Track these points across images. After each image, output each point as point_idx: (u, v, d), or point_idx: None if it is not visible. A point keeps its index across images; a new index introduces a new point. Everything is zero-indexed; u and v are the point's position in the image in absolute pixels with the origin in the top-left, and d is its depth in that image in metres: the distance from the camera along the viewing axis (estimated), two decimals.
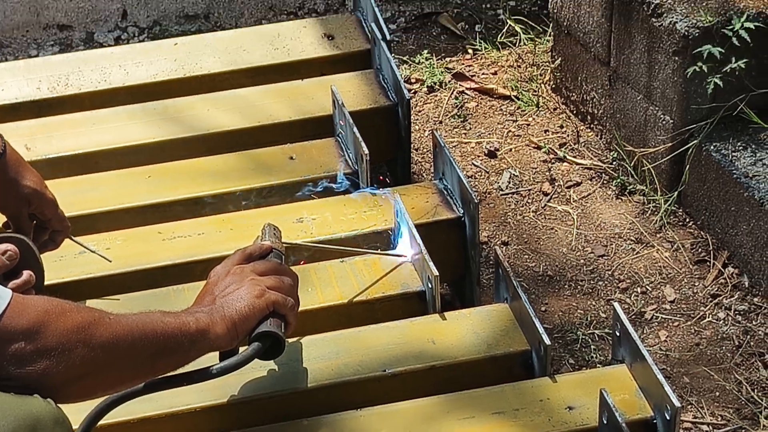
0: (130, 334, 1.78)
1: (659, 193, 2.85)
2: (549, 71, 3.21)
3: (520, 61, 3.29)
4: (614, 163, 2.97)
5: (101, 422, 1.92)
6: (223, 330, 1.90)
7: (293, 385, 2.13)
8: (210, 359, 1.92)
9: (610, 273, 2.72)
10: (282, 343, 1.97)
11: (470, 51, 3.38)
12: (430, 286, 2.27)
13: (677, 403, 1.98)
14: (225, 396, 2.10)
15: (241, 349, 1.96)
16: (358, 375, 2.14)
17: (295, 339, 2.18)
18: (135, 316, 1.81)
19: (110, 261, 2.37)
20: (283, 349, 1.98)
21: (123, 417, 2.03)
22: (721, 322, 2.60)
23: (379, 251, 2.38)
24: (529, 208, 2.90)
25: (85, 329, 1.73)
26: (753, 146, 2.69)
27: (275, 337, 1.96)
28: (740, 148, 2.70)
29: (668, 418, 2.01)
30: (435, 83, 3.25)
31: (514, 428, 2.05)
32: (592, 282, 2.71)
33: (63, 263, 2.35)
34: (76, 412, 1.83)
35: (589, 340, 2.57)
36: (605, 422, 2.02)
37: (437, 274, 2.25)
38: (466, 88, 3.24)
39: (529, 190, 2.95)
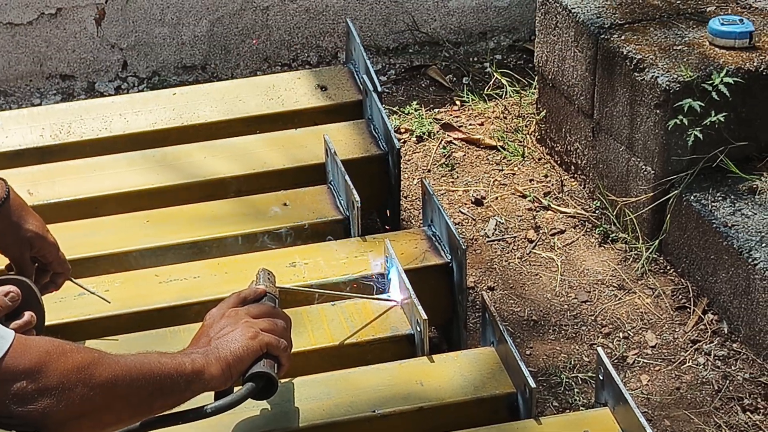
0: (128, 375, 1.77)
1: (641, 241, 2.85)
2: (534, 122, 3.22)
3: (506, 112, 3.30)
4: (597, 211, 2.98)
5: None
6: (217, 370, 1.89)
7: (285, 424, 2.11)
8: (205, 398, 1.91)
9: (593, 318, 2.72)
10: (275, 383, 1.96)
11: (458, 102, 3.40)
12: (418, 329, 2.26)
13: None
14: None
15: (236, 389, 1.95)
16: (348, 415, 2.13)
17: (287, 380, 2.16)
18: (133, 357, 1.81)
19: (109, 302, 2.36)
20: (276, 390, 1.97)
21: None
22: (701, 367, 2.59)
23: (369, 296, 2.38)
24: (515, 255, 2.90)
25: (85, 369, 1.72)
26: (732, 197, 2.70)
27: (268, 378, 1.95)
28: (719, 198, 2.70)
29: None
30: (424, 133, 3.26)
31: None
32: (575, 327, 2.70)
33: (63, 304, 2.34)
34: None
35: (573, 383, 2.56)
36: None
37: (426, 317, 2.24)
38: (454, 138, 3.25)
39: (515, 237, 2.95)
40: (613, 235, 2.91)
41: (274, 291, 2.12)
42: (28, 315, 1.96)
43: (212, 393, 1.93)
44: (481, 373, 2.21)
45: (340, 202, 2.62)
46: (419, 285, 2.34)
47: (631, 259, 2.85)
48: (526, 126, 3.24)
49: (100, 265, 2.49)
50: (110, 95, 3.39)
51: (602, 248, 2.89)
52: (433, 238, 2.51)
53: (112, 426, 1.82)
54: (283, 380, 2.10)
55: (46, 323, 2.06)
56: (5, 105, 3.39)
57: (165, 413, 1.87)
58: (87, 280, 2.38)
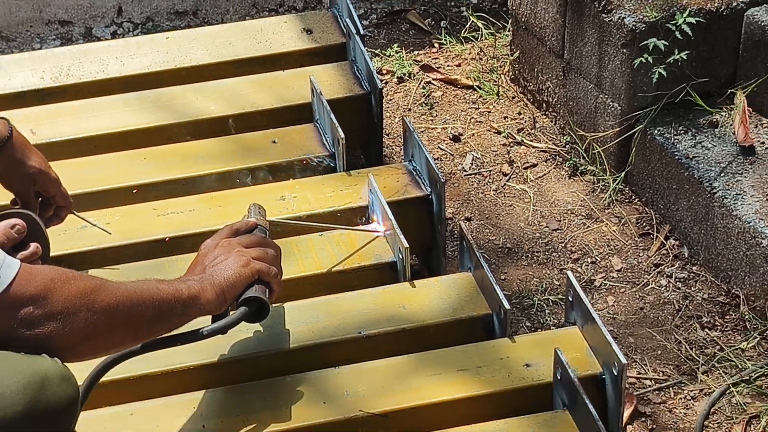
0: (128, 300, 1.79)
1: (608, 173, 2.86)
2: (508, 63, 3.21)
3: (482, 54, 3.29)
4: (567, 146, 2.98)
5: (102, 379, 1.93)
6: (212, 296, 1.91)
7: (277, 345, 2.14)
8: (201, 322, 1.93)
9: (563, 245, 2.73)
10: (266, 307, 1.98)
11: (436, 45, 3.38)
12: (400, 257, 2.28)
13: (624, 360, 2.00)
14: (215, 355, 2.11)
15: (230, 313, 1.97)
16: (335, 337, 2.16)
17: (278, 304, 2.19)
18: (133, 284, 1.82)
19: (110, 234, 2.37)
20: (268, 313, 1.99)
21: (122, 375, 2.04)
22: (663, 288, 2.61)
23: (355, 227, 2.39)
24: (490, 187, 2.90)
25: (88, 295, 1.74)
26: (693, 130, 2.70)
27: (260, 302, 1.97)
28: (681, 131, 2.71)
29: (615, 374, 2.03)
30: (404, 74, 3.25)
31: (477, 384, 2.07)
32: (546, 253, 2.71)
33: (66, 236, 2.35)
34: (80, 371, 1.85)
35: (544, 305, 2.57)
36: (559, 378, 2.04)
37: (407, 246, 2.26)
38: (433, 79, 3.24)
39: (490, 170, 2.95)
40: (582, 167, 2.91)
41: (265, 223, 2.13)
42: (33, 246, 1.96)
43: (208, 317, 1.95)
44: (459, 297, 2.24)
45: (326, 140, 2.63)
46: (401, 216, 2.36)
47: (598, 190, 2.86)
48: (501, 66, 3.23)
49: (100, 200, 2.50)
50: (106, 40, 3.36)
51: (572, 180, 2.90)
52: (414, 173, 2.53)
53: (115, 347, 1.85)
54: (274, 305, 2.12)
55: (51, 254, 2.07)
56: (7, 49, 3.37)
57: (164, 336, 1.89)
58: (88, 214, 2.39)
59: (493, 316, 2.20)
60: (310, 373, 2.09)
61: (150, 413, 2.03)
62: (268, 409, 2.02)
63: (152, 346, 1.91)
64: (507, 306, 2.14)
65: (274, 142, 2.64)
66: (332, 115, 2.57)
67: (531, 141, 3.03)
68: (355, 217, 2.45)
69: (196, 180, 2.56)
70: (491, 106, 3.15)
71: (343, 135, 2.52)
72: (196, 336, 1.93)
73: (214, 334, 1.94)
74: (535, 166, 2.96)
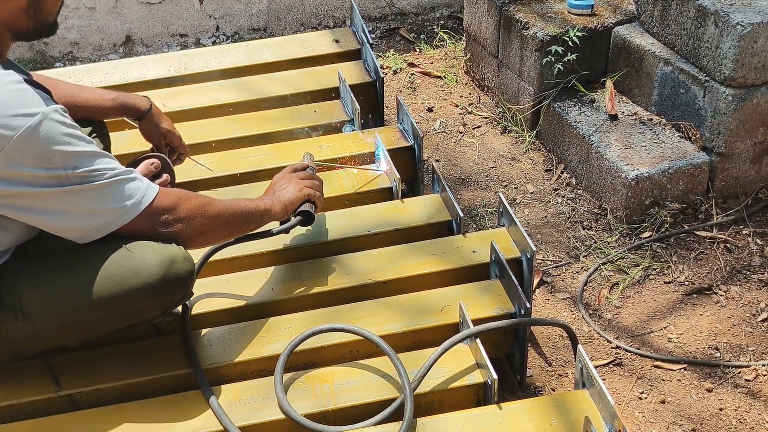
0: (227, 211, 1.79)
1: (525, 131, 2.84)
2: (463, 61, 3.19)
3: (447, 56, 3.26)
4: (500, 114, 2.96)
5: (210, 259, 1.95)
6: (280, 209, 1.91)
7: (317, 239, 2.14)
8: (272, 226, 1.94)
9: (497, 177, 2.71)
10: (313, 217, 1.98)
11: (417, 50, 3.35)
12: (395, 184, 2.27)
13: (534, 248, 1.99)
14: (279, 245, 2.11)
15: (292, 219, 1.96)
16: (354, 233, 2.15)
17: (320, 213, 2.18)
18: (229, 201, 1.82)
19: (212, 171, 2.37)
20: (314, 221, 1.98)
21: (222, 256, 2.05)
22: (559, 204, 2.59)
23: (367, 167, 2.37)
24: (451, 140, 2.89)
25: (201, 207, 1.74)
26: (579, 105, 2.69)
27: (309, 213, 1.97)
28: (571, 105, 2.69)
29: (528, 257, 2.02)
30: (397, 69, 3.22)
31: (443, 263, 2.06)
32: (486, 182, 2.70)
33: (185, 170, 2.34)
34: (196, 255, 1.87)
35: (485, 214, 2.57)
36: (493, 259, 2.04)
37: (399, 177, 2.25)
38: (415, 71, 3.22)
39: (451, 130, 2.93)
40: (509, 128, 2.89)
41: (313, 164, 2.12)
42: (165, 176, 1.97)
43: (277, 222, 1.95)
44: (431, 209, 2.23)
45: (348, 110, 2.61)
46: (395, 158, 2.35)
47: (519, 142, 2.84)
48: (459, 63, 3.20)
49: (207, 148, 2.48)
50: (209, 46, 3.34)
51: (503, 136, 2.88)
52: (403, 131, 2.51)
53: (218, 241, 1.85)
54: (318, 214, 2.11)
55: (176, 182, 2.07)
56: (146, 52, 3.34)
57: (249, 233, 1.89)
58: (198, 157, 2.38)
59: (453, 222, 2.19)
60: (338, 256, 2.09)
61: (238, 281, 2.03)
62: (312, 278, 2.03)
63: (241, 239, 1.92)
64: (461, 215, 2.14)
65: (316, 111, 2.62)
66: (351, 95, 2.55)
67: (477, 111, 3.01)
68: (367, 158, 2.43)
69: (267, 135, 2.54)
70: (452, 90, 3.13)
71: (358, 107, 2.50)
72: (269, 234, 1.94)
73: (280, 233, 1.95)
74: (479, 127, 2.95)
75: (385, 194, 2.32)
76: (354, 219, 2.21)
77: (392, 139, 2.48)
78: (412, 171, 2.49)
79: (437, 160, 2.82)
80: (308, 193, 1.98)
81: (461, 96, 3.10)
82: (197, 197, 1.75)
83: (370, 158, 2.44)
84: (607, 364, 2.09)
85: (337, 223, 2.19)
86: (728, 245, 2.36)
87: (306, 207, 1.97)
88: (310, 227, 2.13)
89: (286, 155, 2.43)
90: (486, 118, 2.99)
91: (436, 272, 2.06)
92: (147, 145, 2.19)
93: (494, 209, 2.59)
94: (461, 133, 2.93)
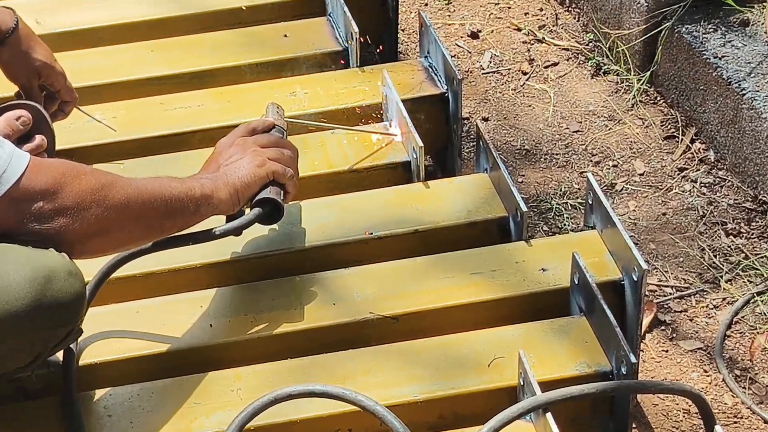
0: (140, 197, 1.80)
1: (632, 73, 2.85)
2: None
3: None
4: (590, 44, 2.97)
5: (111, 276, 1.97)
6: (225, 195, 1.93)
7: (287, 245, 2.16)
8: (214, 222, 1.96)
9: (583, 147, 2.73)
10: (281, 209, 1.99)
11: None
12: (415, 156, 2.29)
13: (645, 266, 1.99)
14: (226, 254, 2.13)
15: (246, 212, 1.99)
16: (346, 237, 2.17)
17: (294, 202, 2.18)
18: (145, 180, 1.83)
19: (115, 131, 2.39)
20: (282, 215, 2.00)
21: (131, 272, 2.07)
22: (687, 193, 2.61)
23: (371, 130, 2.39)
24: (509, 86, 2.90)
25: (99, 190, 1.75)
26: (723, 28, 2.69)
27: (274, 204, 1.98)
28: (710, 30, 2.70)
29: (635, 279, 2.02)
30: None
31: (491, 287, 2.08)
32: (566, 156, 2.72)
33: (71, 130, 2.36)
34: (90, 267, 1.89)
35: (563, 209, 2.58)
36: (576, 283, 2.05)
37: (422, 145, 2.26)
38: None
39: (509, 69, 2.94)
40: (606, 67, 2.90)
41: (283, 123, 2.14)
42: (39, 138, 1.98)
43: (222, 217, 1.97)
44: (474, 198, 2.25)
45: (339, 34, 2.63)
46: (416, 114, 2.37)
47: (622, 91, 2.86)
48: None
49: (105, 93, 2.51)
50: None
51: (594, 80, 2.89)
52: (430, 69, 2.52)
53: (125, 245, 1.88)
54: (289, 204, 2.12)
55: (57, 148, 2.08)
56: None
57: (176, 234, 1.91)
58: (93, 108, 2.40)
59: (509, 219, 2.21)
60: (320, 273, 2.11)
61: (156, 311, 2.06)
62: (277, 309, 2.05)
63: (163, 244, 1.93)
64: (524, 208, 2.15)
65: (285, 36, 2.64)
66: (346, 8, 2.56)
67: (552, 38, 3.02)
68: (369, 114, 2.45)
69: (204, 74, 2.56)
70: (511, 2, 3.13)
71: (356, 29, 2.51)
72: (208, 236, 1.96)
73: (227, 234, 1.97)
74: (556, 64, 2.96)
75: (399, 172, 2.34)
76: (347, 213, 2.22)
77: (411, 84, 2.50)
78: (443, 135, 2.51)
79: (485, 119, 2.83)
80: (274, 170, 2.00)
81: (526, 13, 3.11)
82: (94, 174, 1.77)
83: (376, 114, 2.46)
84: None
85: (321, 220, 2.20)
86: None
87: (269, 193, 1.99)
88: (275, 226, 2.14)
89: (236, 107, 2.45)
90: (567, 49, 3.00)
91: (479, 302, 2.07)
92: (11, 87, 2.20)
93: (578, 201, 2.60)
94: (525, 74, 2.95)
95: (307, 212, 2.22)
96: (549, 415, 1.84)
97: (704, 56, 2.66)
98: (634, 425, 2.10)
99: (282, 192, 2.01)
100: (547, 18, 3.07)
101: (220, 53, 2.60)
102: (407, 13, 3.10)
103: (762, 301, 2.37)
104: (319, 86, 2.52)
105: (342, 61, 2.60)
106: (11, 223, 1.70)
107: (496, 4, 3.12)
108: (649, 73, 2.83)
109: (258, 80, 2.56)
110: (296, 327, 2.03)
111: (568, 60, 2.96)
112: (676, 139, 2.74)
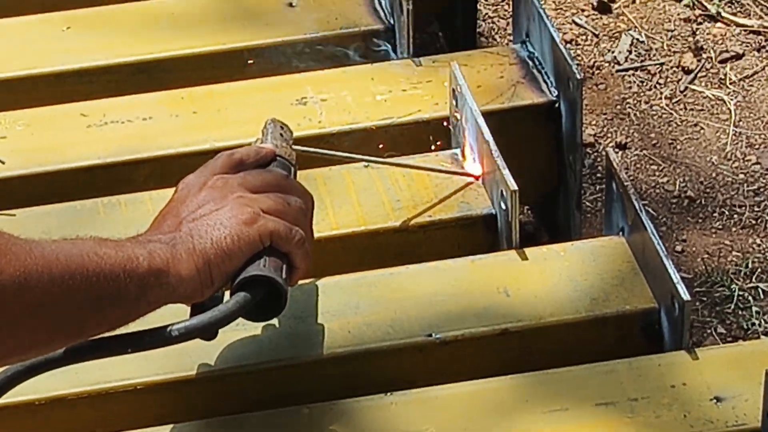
0: (47, 272, 1.79)
1: None
2: None
3: None
4: None
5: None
6: (190, 270, 1.93)
7: (291, 353, 2.17)
8: (173, 315, 1.96)
9: None
10: (282, 294, 2.00)
11: None
12: (504, 207, 2.31)
13: None
14: (188, 368, 2.14)
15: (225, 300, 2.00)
16: (389, 341, 2.19)
17: (300, 286, 2.20)
18: (55, 245, 1.83)
19: (3, 163, 2.42)
20: (284, 305, 2.02)
21: (29, 395, 2.07)
22: None
23: (432, 165, 2.41)
24: (661, 93, 2.94)
25: None
26: None
27: (272, 285, 1.99)
28: None
29: None
30: None
31: (630, 428, 2.09)
32: (757, 209, 2.75)
33: None
34: None
35: (750, 297, 2.61)
36: None
37: (516, 188, 2.27)
38: None
39: (662, 64, 2.99)
40: None
41: (289, 154, 2.16)
42: None
43: (186, 308, 1.99)
44: (602, 279, 2.27)
45: (380, 3, 2.66)
46: (506, 136, 2.39)
47: None
48: None
49: None
50: None
51: None
52: (530, 63, 2.56)
53: (23, 352, 1.86)
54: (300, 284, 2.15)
55: None
56: None
57: (105, 336, 1.91)
58: None
59: (661, 313, 2.23)
60: (343, 401, 2.13)
61: None
62: None
63: (82, 351, 1.94)
64: (686, 296, 2.15)
65: (291, 5, 2.68)
66: None
67: (733, 14, 3.04)
68: (427, 136, 2.49)
69: (155, 65, 2.61)
70: None
71: None
72: (159, 338, 1.96)
73: (191, 336, 1.97)
74: (739, 57, 3.00)
75: (477, 232, 2.38)
76: (392, 300, 2.25)
77: (499, 86, 2.54)
78: (551, 171, 2.55)
79: (622, 146, 2.87)
80: (272, 230, 2.01)
81: None
82: None
83: (439, 137, 2.48)
84: None
85: (348, 312, 2.23)
86: None
87: (263, 268, 2.00)
88: (274, 321, 2.18)
89: (210, 123, 2.49)
90: (758, 33, 3.02)
91: None
92: None
93: None
94: (688, 72, 2.97)
95: (326, 298, 2.24)
96: None
97: None
98: None
99: (284, 266, 2.02)
100: None
101: (182, 33, 2.63)
102: None
103: None
104: (346, 89, 2.55)
105: (383, 47, 2.61)
106: None
107: None
108: None
109: (245, 78, 2.59)
110: None
111: (758, 50, 2.98)
112: None
